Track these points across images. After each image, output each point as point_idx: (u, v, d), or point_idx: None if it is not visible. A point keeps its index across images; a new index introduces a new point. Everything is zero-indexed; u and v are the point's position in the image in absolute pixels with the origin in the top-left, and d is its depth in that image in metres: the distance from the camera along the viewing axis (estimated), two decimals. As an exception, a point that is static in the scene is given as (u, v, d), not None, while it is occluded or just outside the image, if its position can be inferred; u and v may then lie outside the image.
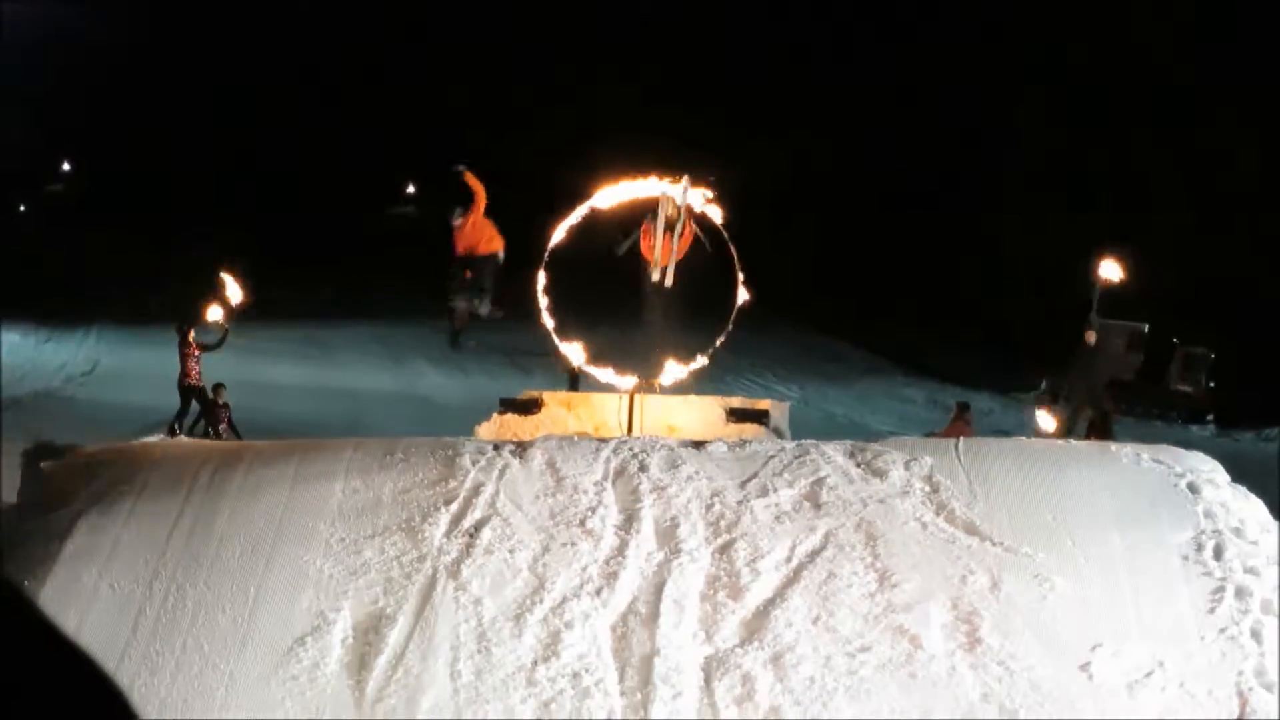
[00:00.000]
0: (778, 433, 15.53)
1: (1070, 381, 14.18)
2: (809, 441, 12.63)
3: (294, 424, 19.12)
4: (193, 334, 15.75)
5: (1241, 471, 12.43)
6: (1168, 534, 10.83)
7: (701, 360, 16.14)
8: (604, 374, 16.07)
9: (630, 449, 12.05)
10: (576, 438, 12.87)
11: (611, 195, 16.17)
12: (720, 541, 10.65)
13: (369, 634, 9.71)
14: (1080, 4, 50.41)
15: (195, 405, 17.24)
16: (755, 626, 9.78)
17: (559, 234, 16.23)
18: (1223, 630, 9.89)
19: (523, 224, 17.61)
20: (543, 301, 16.22)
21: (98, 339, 35.89)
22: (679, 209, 15.75)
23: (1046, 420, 14.82)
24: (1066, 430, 14.32)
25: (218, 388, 16.63)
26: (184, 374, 16.18)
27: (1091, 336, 13.89)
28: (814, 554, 10.48)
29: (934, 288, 45.50)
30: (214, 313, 16.72)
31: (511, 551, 10.45)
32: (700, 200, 15.96)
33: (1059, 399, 14.70)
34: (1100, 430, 14.09)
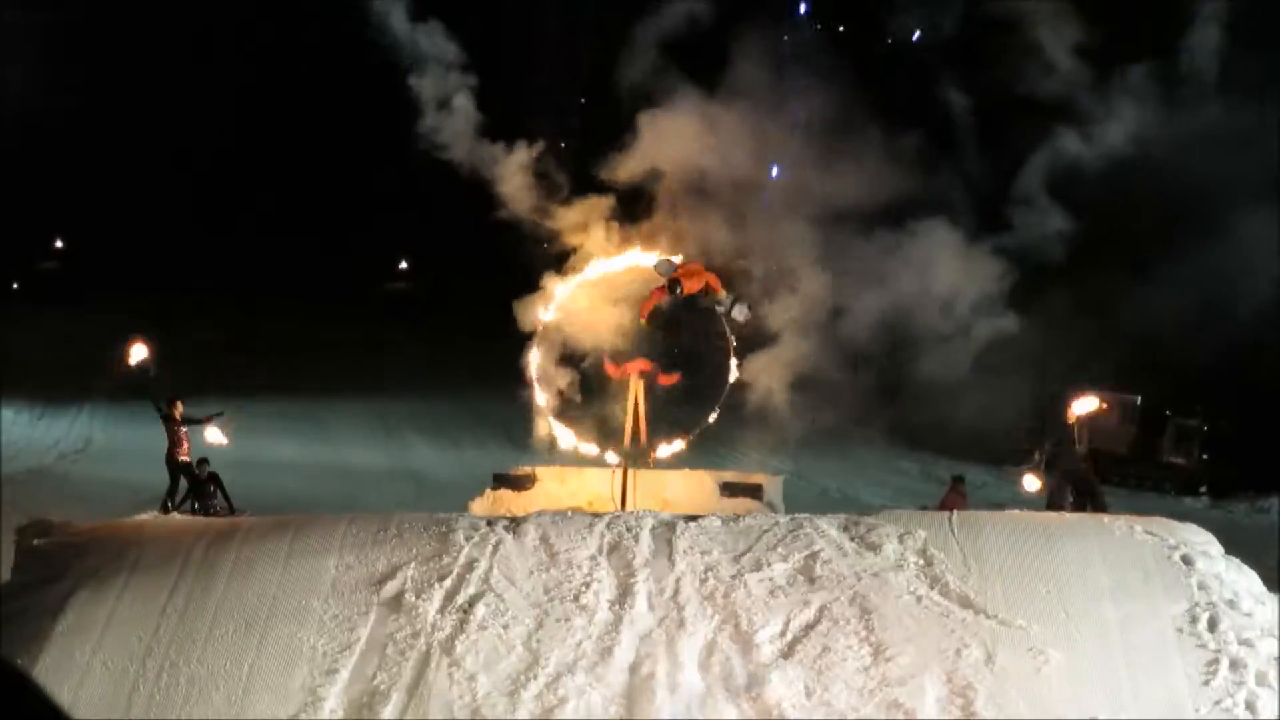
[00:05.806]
0: (771, 506, 15.55)
1: (1047, 453, 14.22)
2: (803, 515, 12.66)
3: (289, 499, 19.13)
4: (179, 409, 15.74)
5: (1235, 543, 12.45)
6: (1162, 606, 10.85)
7: (692, 436, 16.18)
8: (592, 449, 16.10)
9: (624, 523, 12.07)
10: (570, 512, 12.90)
11: (601, 268, 16.29)
12: (715, 616, 10.65)
13: (363, 711, 9.68)
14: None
15: (186, 481, 17.21)
16: (751, 700, 9.76)
17: (551, 310, 16.33)
18: (1218, 703, 9.88)
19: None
20: (534, 376, 16.29)
21: (90, 416, 35.81)
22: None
23: (1032, 483, 14.84)
24: (1053, 500, 14.35)
25: (201, 463, 16.63)
26: (172, 450, 16.15)
27: (1070, 414, 14.00)
28: (808, 628, 10.48)
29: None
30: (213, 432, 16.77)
31: (505, 627, 10.44)
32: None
33: (1049, 470, 14.72)
34: (1091, 502, 14.13)
